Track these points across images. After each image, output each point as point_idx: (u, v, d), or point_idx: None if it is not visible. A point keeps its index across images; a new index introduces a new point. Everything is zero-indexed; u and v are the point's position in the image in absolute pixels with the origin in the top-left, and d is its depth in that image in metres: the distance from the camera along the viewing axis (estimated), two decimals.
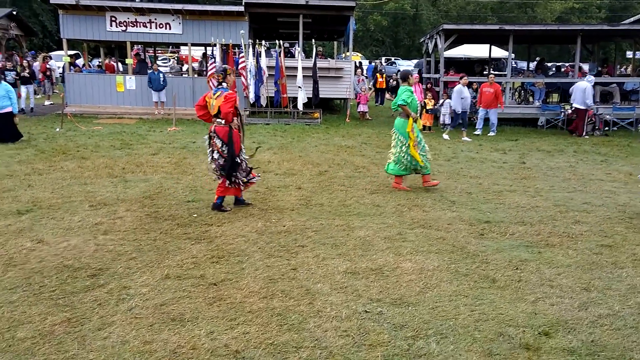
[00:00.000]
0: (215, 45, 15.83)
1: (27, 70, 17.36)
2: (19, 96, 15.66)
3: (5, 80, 11.85)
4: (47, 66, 20.04)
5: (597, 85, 16.49)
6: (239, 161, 6.43)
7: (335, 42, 27.58)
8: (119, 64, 21.29)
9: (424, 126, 14.98)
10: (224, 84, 6.36)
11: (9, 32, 30.97)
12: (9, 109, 11.06)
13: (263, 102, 15.95)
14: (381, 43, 48.80)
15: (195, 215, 6.27)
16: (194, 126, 14.32)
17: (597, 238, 5.65)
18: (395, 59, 39.66)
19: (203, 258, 4.92)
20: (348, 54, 18.19)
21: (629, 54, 27.14)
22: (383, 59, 38.86)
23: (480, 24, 26.45)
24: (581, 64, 18.16)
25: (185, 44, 18.09)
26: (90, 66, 22.16)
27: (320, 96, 16.17)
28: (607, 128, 15.02)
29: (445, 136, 13.54)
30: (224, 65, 7.15)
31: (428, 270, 4.68)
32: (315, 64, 15.99)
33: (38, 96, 19.94)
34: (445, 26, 16.04)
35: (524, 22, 39.56)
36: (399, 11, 46.88)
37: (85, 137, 12.09)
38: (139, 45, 22.30)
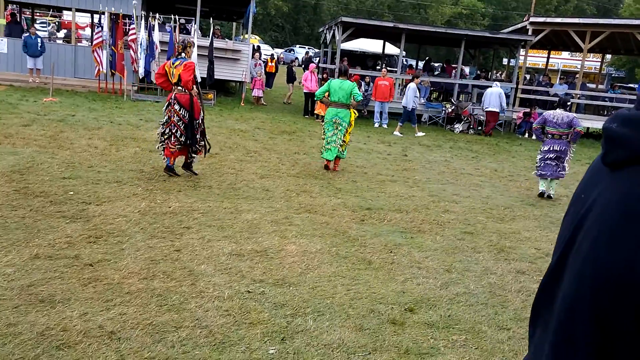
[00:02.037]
0: (103, 13, 14.81)
1: None
2: None
3: None
4: None
5: (475, 87, 17.99)
6: (197, 127, 7.01)
7: (234, 23, 27.06)
8: None
9: (318, 115, 15.35)
10: (183, 54, 6.92)
11: None
12: None
13: (154, 78, 15.24)
14: (281, 29, 48.73)
15: (71, 192, 5.91)
16: (73, 98, 13.33)
17: (462, 226, 6.25)
18: (308, 47, 39.90)
19: (78, 238, 4.68)
20: (247, 36, 17.98)
21: (505, 61, 29.81)
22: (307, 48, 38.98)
23: (377, 20, 27.49)
24: (463, 66, 19.62)
25: (69, 9, 16.69)
26: None
27: (215, 77, 15.84)
28: (479, 127, 16.44)
29: (397, 133, 13.89)
30: (185, 38, 7.65)
31: (311, 253, 4.87)
32: (212, 43, 15.60)
33: None
34: (344, 19, 16.46)
35: (417, 22, 41.77)
36: None
37: None
38: (14, 5, 20.14)
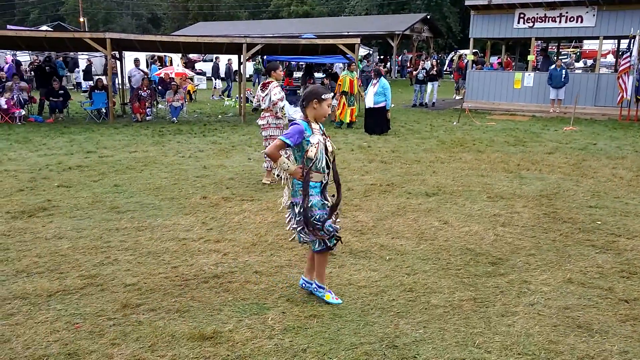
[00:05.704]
0: (634, 37, 13.97)
1: (435, 69, 19.36)
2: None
3: (384, 77, 12.79)
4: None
5: None
6: None
7: None
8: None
9: None
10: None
11: (422, 34, 35.42)
12: (382, 104, 12.08)
13: None
14: None
15: (599, 222, 5.77)
16: (592, 126, 13.14)
17: None
18: None
19: (610, 270, 4.48)
20: None
21: None
22: None
23: None
24: None
25: (596, 37, 16.65)
26: (489, 64, 23.07)
27: None
28: None
29: None
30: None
31: None
32: None
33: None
34: None
35: None
36: None
37: (480, 132, 12.69)
38: (538, 42, 21.80)
